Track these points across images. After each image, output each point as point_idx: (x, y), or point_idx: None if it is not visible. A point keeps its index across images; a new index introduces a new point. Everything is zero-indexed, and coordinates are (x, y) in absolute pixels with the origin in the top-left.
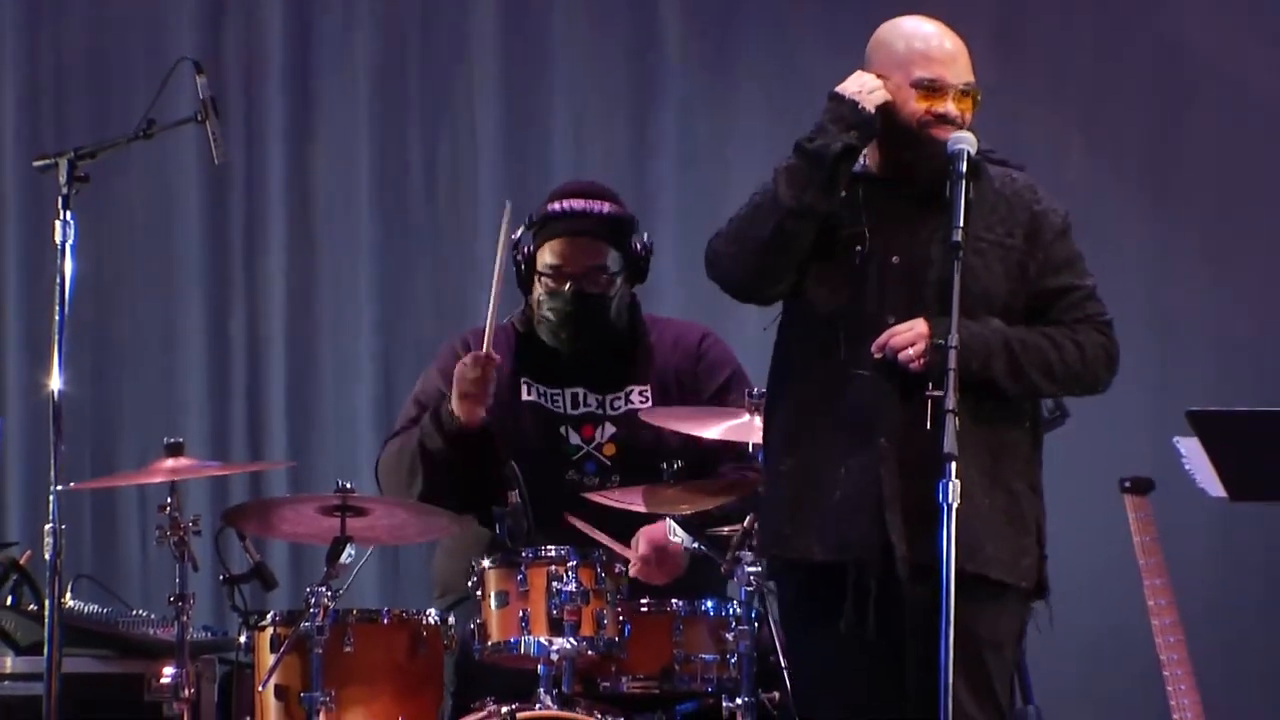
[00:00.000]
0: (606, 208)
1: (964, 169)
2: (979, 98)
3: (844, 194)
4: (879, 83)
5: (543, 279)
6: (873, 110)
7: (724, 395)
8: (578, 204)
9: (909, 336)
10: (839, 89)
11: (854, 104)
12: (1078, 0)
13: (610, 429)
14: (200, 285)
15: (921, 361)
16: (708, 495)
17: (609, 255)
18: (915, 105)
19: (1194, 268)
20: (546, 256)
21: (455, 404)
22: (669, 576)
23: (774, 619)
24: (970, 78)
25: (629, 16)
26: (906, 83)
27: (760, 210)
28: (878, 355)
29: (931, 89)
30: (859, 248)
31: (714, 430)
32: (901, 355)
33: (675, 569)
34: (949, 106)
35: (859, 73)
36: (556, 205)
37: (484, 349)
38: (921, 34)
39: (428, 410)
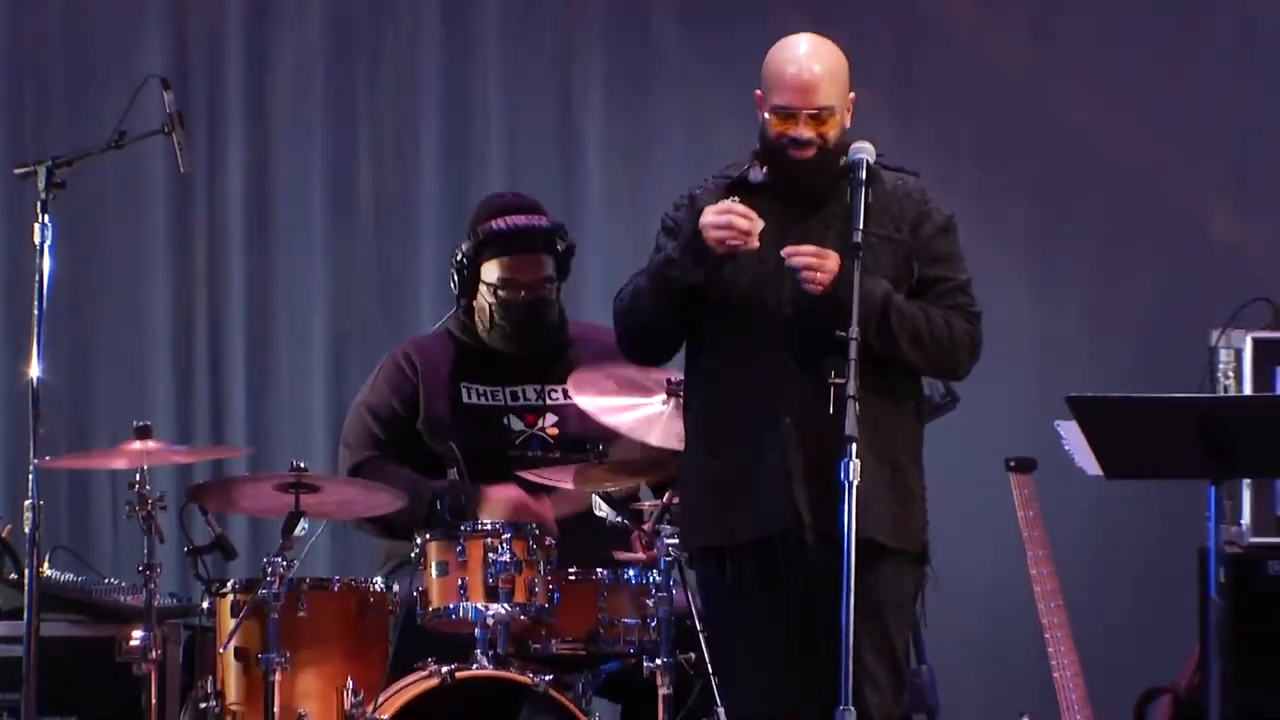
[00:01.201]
0: (544, 221)
1: (863, 176)
2: (836, 117)
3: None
4: (727, 216)
5: (495, 291)
6: (714, 250)
7: None
8: (519, 220)
9: (819, 262)
10: (704, 219)
11: (702, 239)
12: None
13: (552, 417)
14: (167, 283)
15: (821, 289)
16: (631, 475)
17: (550, 265)
18: (774, 129)
19: (1074, 263)
20: (496, 271)
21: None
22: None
23: (690, 587)
24: (827, 102)
25: (555, 27)
26: (768, 108)
27: (638, 297)
28: (785, 255)
29: (784, 114)
30: (756, 254)
31: (629, 416)
32: (804, 273)
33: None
34: (800, 130)
35: (726, 203)
36: (500, 223)
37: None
38: (781, 59)
39: (384, 421)
